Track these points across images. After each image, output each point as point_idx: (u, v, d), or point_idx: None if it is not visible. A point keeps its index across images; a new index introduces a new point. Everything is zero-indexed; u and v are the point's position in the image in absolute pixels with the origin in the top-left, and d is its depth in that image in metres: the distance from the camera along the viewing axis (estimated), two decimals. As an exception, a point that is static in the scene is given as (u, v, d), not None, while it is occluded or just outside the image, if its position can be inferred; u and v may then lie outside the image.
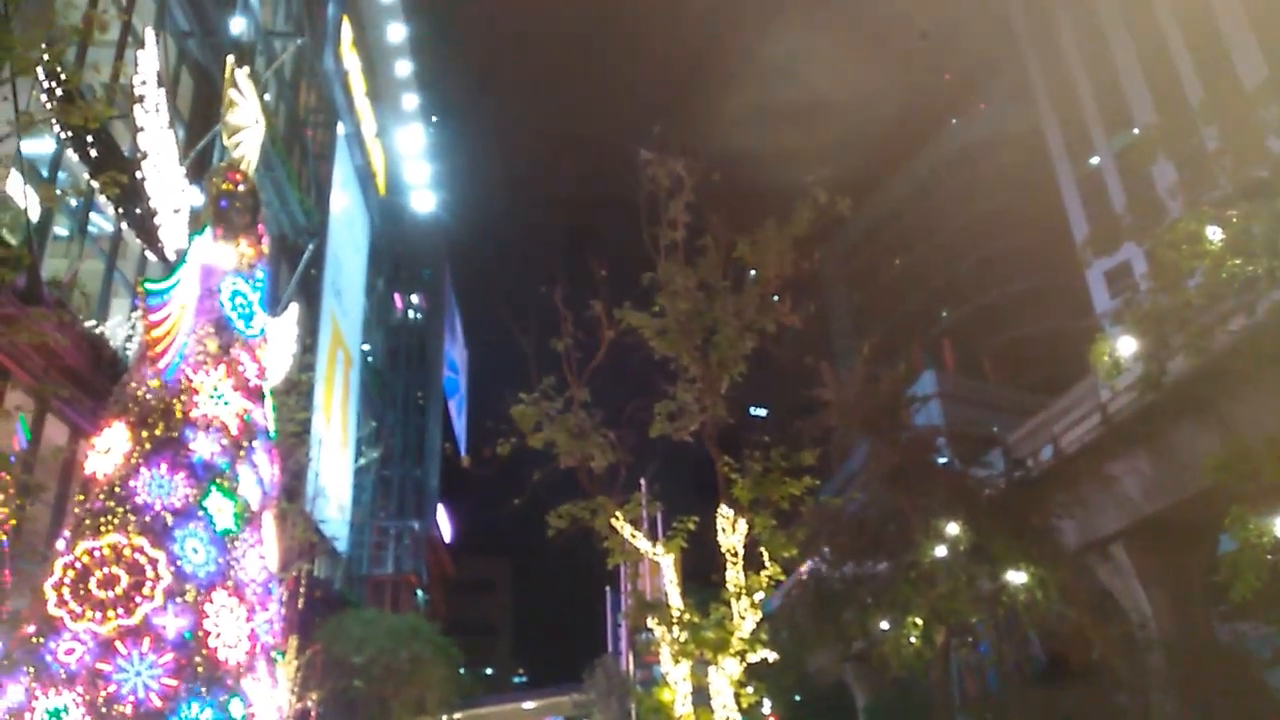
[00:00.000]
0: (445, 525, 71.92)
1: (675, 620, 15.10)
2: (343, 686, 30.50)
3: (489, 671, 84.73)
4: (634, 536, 16.32)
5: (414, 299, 69.73)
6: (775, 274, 15.61)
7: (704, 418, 16.21)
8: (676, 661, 15.35)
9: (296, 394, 24.15)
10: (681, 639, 14.82)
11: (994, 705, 41.34)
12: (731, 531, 15.75)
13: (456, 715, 42.17)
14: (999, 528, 27.18)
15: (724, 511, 15.92)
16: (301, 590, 25.31)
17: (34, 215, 17.73)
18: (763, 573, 15.40)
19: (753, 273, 16.20)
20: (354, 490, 46.61)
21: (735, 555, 15.69)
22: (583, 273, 17.45)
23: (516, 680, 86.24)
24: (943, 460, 33.61)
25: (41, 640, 14.51)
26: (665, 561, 16.14)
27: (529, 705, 58.46)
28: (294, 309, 22.69)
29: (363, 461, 47.36)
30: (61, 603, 14.66)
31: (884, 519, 28.78)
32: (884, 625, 29.83)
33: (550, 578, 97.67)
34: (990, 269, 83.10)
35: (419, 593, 59.93)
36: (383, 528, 56.81)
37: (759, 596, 15.03)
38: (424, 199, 71.11)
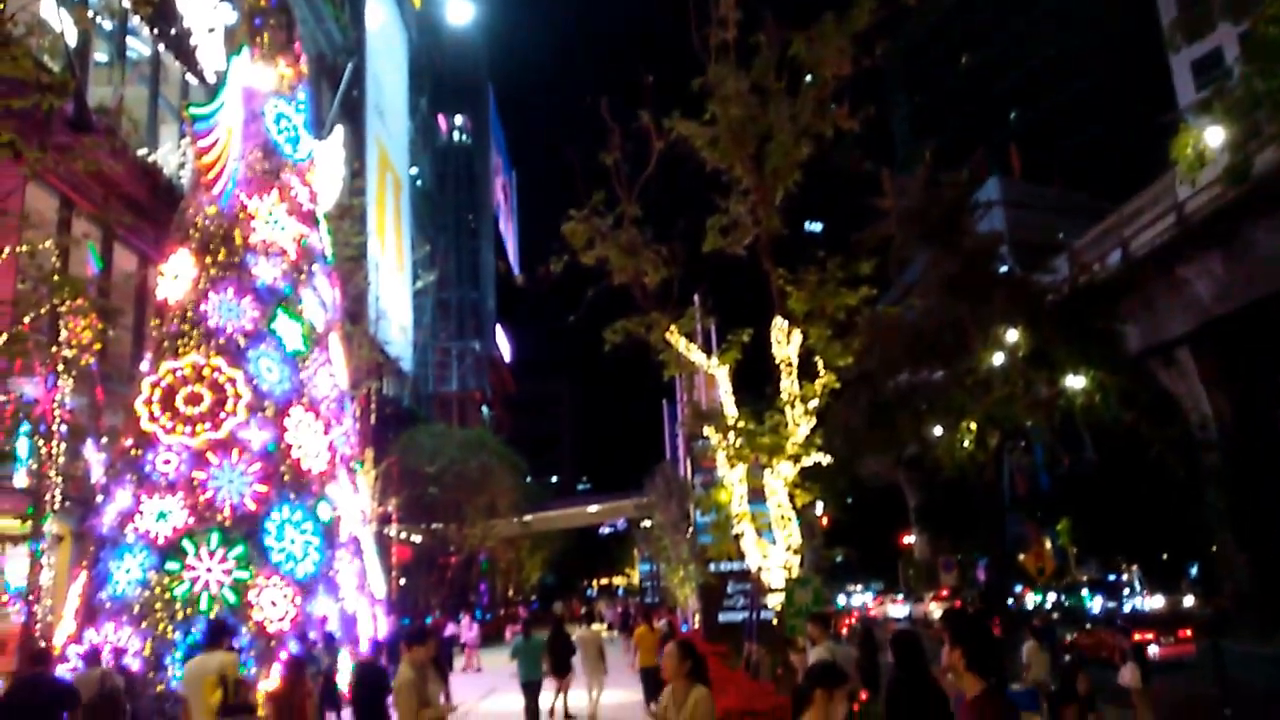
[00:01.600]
0: (505, 345, 73.93)
1: (730, 428, 15.49)
2: (419, 494, 32.64)
3: (554, 480, 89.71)
4: (689, 350, 16.48)
5: (458, 119, 68.16)
6: (833, 74, 14.61)
7: (758, 231, 15.83)
8: (732, 465, 15.89)
9: (349, 219, 24.36)
10: (737, 445, 15.24)
11: (1045, 505, 42.62)
12: (786, 343, 15.76)
13: (525, 518, 45.05)
14: (1060, 333, 26.81)
15: (778, 324, 15.88)
16: (372, 407, 26.65)
17: (71, 40, 17.44)
18: (817, 381, 15.53)
19: (809, 74, 15.24)
20: (414, 312, 47.80)
21: (790, 365, 15.77)
22: (630, 82, 16.65)
23: (580, 488, 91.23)
24: (1004, 268, 32.81)
25: (140, 452, 15.76)
26: (720, 373, 16.36)
27: (593, 509, 62.09)
28: (339, 131, 22.46)
29: (420, 284, 48.25)
30: (153, 418, 15.75)
31: (941, 327, 28.55)
32: (938, 431, 30.36)
33: (609, 392, 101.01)
34: (1063, 66, 77.22)
35: (484, 409, 62.64)
36: (444, 348, 58.65)
37: (813, 404, 15.25)
38: (461, 10, 67.90)
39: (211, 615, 14.17)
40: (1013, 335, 26.48)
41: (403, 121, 49.72)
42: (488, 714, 16.68)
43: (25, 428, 12.31)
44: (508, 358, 75.38)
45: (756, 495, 16.02)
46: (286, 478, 15.86)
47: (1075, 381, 26.76)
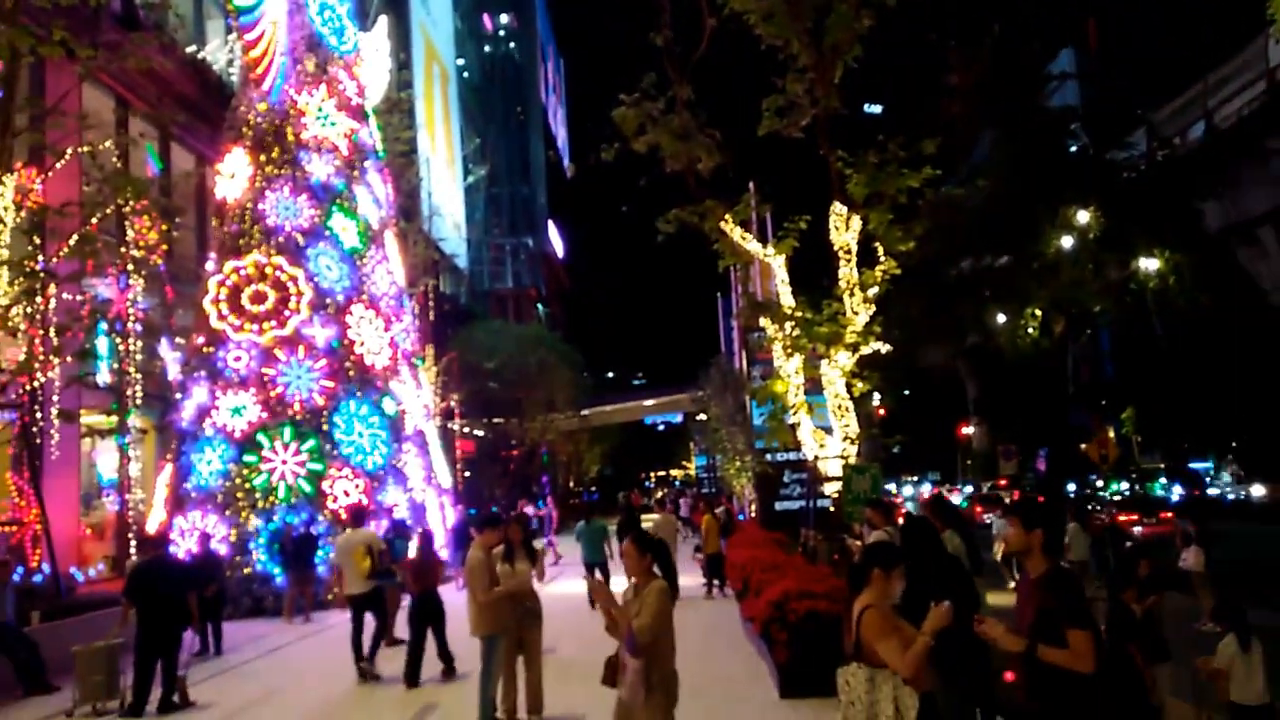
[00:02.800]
0: (557, 241, 73.73)
1: (787, 318, 15.29)
2: (479, 389, 33.33)
3: (609, 375, 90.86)
4: (744, 239, 16.15)
5: (503, 13, 66.02)
6: (897, -65, 13.66)
7: (815, 111, 15.17)
8: (788, 356, 15.76)
9: (398, 113, 24.04)
10: (793, 335, 15.07)
11: (1110, 393, 41.74)
12: (845, 229, 15.33)
13: (584, 412, 45.85)
14: (1135, 213, 25.58)
15: (837, 209, 15.40)
16: (430, 304, 26.97)
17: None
18: (877, 268, 15.15)
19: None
20: (466, 208, 47.69)
21: (848, 252, 15.37)
22: (680, -48, 15.77)
23: (635, 383, 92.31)
24: (1077, 146, 31.15)
25: (212, 350, 16.29)
26: (776, 262, 16.05)
27: (649, 403, 62.88)
28: (383, 21, 21.95)
29: (471, 179, 47.93)
30: (221, 317, 16.19)
31: (1008, 210, 27.47)
32: (1000, 318, 29.63)
33: (663, 286, 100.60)
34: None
35: (539, 305, 63.08)
36: (498, 244, 58.72)
37: (872, 291, 14.92)
38: (502, -113, 64.83)
39: (290, 503, 14.90)
40: (1084, 216, 25.36)
41: (447, 10, 48.39)
42: (553, 595, 17.41)
43: (102, 327, 12.77)
44: (560, 253, 75.28)
45: (813, 386, 15.94)
46: (351, 373, 16.27)
47: (1149, 264, 25.70)
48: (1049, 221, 25.58)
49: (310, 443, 15.32)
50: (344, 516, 13.43)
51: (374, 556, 9.68)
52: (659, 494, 55.05)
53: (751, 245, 16.21)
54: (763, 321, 16.72)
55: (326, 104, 17.39)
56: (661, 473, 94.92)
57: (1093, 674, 3.63)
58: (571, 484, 59.91)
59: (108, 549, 16.20)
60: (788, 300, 15.81)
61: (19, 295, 10.68)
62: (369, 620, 9.76)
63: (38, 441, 12.14)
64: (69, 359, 11.96)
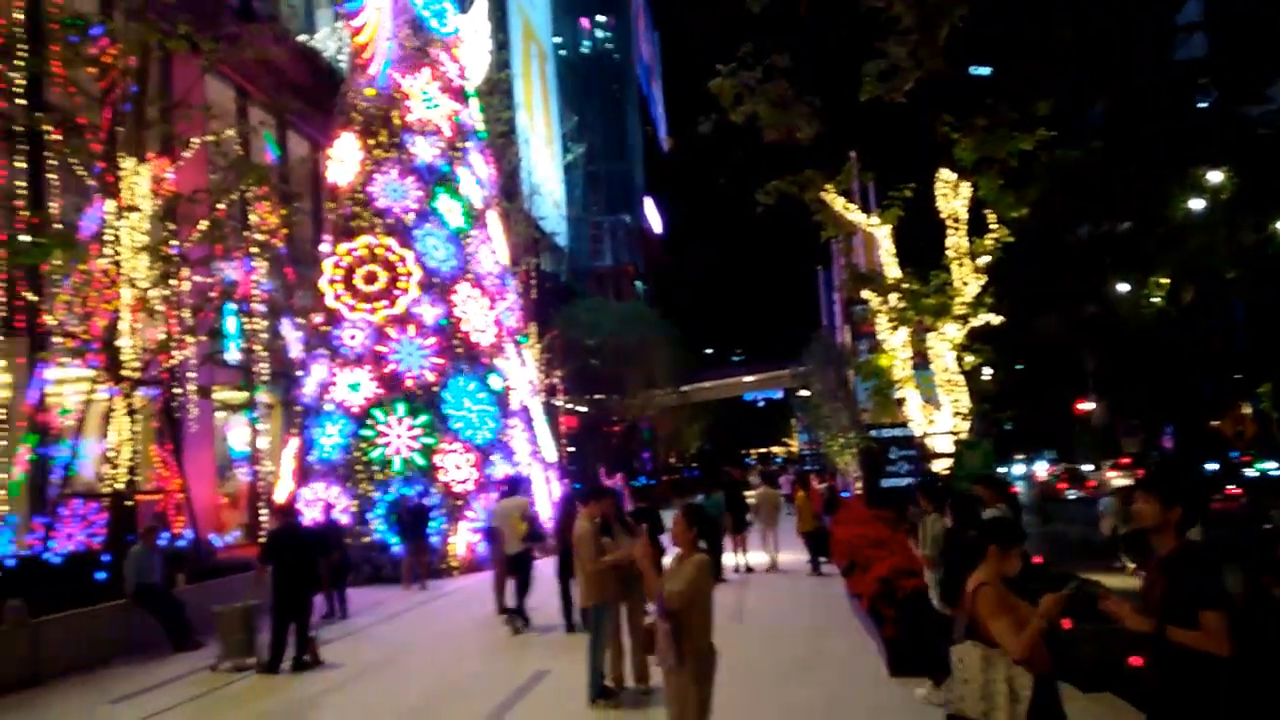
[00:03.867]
0: (655, 217, 73.72)
1: (893, 289, 14.90)
2: (581, 366, 33.82)
3: (708, 351, 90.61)
4: (846, 209, 15.78)
5: (599, 17, 65.95)
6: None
7: (920, 74, 14.61)
8: (894, 329, 15.38)
9: (498, 93, 24.45)
10: (899, 307, 14.69)
11: (1245, 366, 38.98)
12: (953, 196, 14.80)
13: (683, 388, 45.95)
14: (1273, 171, 23.71)
15: (944, 175, 14.86)
16: (532, 282, 27.47)
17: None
18: (988, 236, 14.57)
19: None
20: (565, 187, 48.21)
21: (957, 221, 14.83)
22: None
23: (734, 359, 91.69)
24: (1207, 102, 29.05)
25: (329, 328, 17.08)
26: (880, 232, 15.63)
27: (749, 378, 62.47)
28: (481, 3, 22.28)
29: (570, 157, 48.35)
30: (336, 297, 16.95)
31: (1130, 171, 25.90)
32: (1122, 286, 28.07)
33: (761, 261, 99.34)
34: None
35: (637, 283, 63.39)
36: (597, 222, 59.19)
37: (983, 260, 14.36)
38: None
39: (405, 475, 15.53)
40: (1215, 176, 23.68)
41: (544, -10, 48.79)
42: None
43: (230, 308, 13.54)
44: (658, 229, 75.28)
45: (921, 360, 15.51)
46: (459, 350, 16.78)
47: (1290, 226, 23.82)
48: (1176, 183, 23.99)
49: (422, 417, 15.90)
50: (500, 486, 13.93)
51: (528, 522, 10.75)
52: (756, 470, 54.70)
53: (854, 215, 15.83)
54: (866, 294, 16.34)
55: (430, 87, 17.84)
56: (762, 449, 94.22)
57: (1228, 657, 3.43)
58: (672, 460, 60.23)
59: (241, 517, 17.28)
60: (893, 271, 15.39)
61: (157, 279, 11.44)
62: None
63: (177, 416, 13.03)
64: (202, 338, 12.76)
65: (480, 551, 15.28)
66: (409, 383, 16.11)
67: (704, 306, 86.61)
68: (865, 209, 17.15)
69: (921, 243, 16.32)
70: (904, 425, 16.67)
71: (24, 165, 11.97)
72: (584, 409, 38.25)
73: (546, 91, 46.05)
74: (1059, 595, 3.62)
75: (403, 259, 16.51)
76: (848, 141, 18.25)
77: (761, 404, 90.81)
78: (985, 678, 3.79)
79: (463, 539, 15.62)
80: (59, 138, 10.99)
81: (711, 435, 68.52)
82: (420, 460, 15.72)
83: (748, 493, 16.56)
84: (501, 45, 29.87)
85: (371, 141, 17.13)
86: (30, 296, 11.57)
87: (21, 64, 10.85)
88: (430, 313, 16.61)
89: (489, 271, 18.25)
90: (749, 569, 14.64)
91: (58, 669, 8.79)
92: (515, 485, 12.37)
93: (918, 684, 6.65)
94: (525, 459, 17.60)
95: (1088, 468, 41.33)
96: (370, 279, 16.42)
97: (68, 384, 12.26)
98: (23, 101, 11.27)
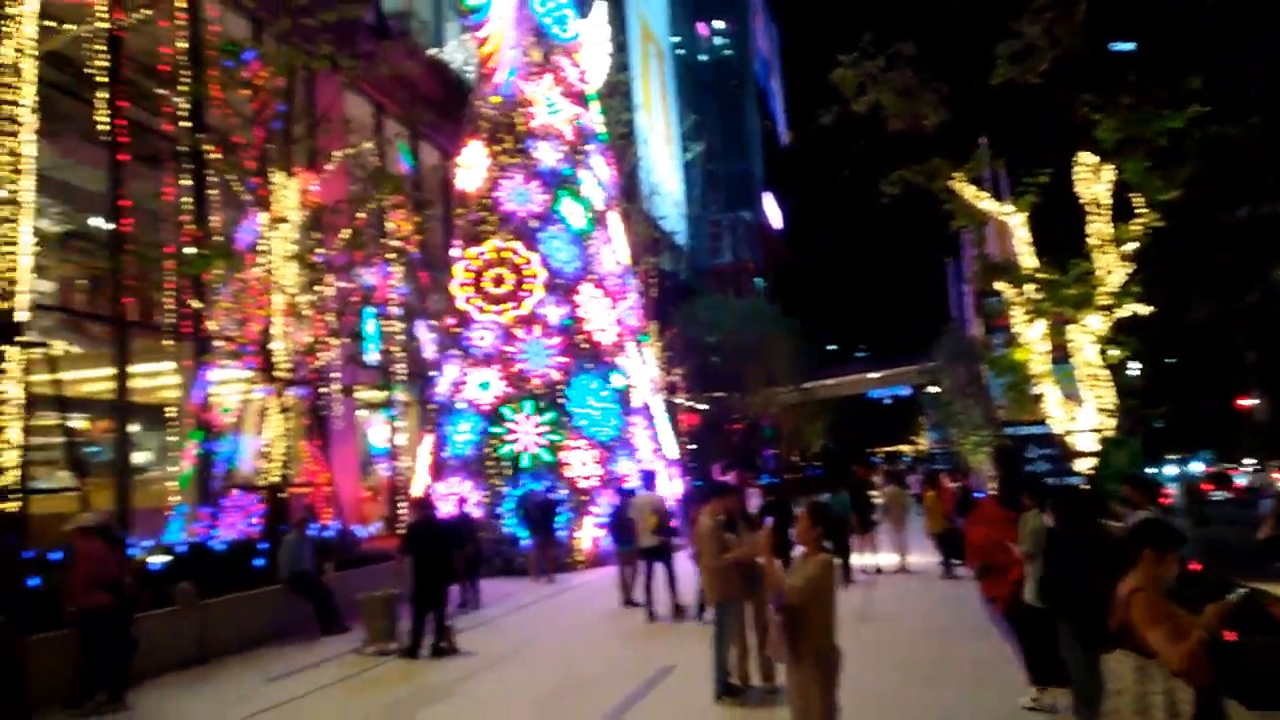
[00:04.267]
0: (774, 213, 72.87)
1: (1029, 279, 14.23)
2: (701, 363, 33.83)
3: (831, 348, 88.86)
4: (977, 197, 15.17)
5: (718, 23, 65.73)
6: None
7: (1056, 53, 13.89)
8: (1031, 322, 14.68)
9: (618, 95, 24.79)
10: (1036, 298, 14.01)
11: None
12: (1094, 180, 14.01)
13: (805, 385, 45.24)
14: None
15: (1084, 159, 14.09)
16: (652, 280, 27.70)
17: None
18: (1134, 221, 13.70)
19: None
20: (684, 185, 48.32)
21: (1099, 206, 14.04)
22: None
23: (858, 355, 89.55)
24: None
25: (460, 330, 17.78)
26: (1014, 220, 14.95)
27: (874, 375, 60.87)
28: (601, 7, 22.62)
29: (689, 156, 48.42)
30: (467, 299, 17.62)
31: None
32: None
33: (885, 254, 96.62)
34: None
35: (757, 279, 62.84)
36: (716, 220, 59.04)
37: (1129, 247, 13.52)
38: None
39: (533, 471, 15.97)
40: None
41: (661, -10, 49.07)
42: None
43: (370, 311, 14.31)
44: (778, 225, 74.37)
45: (1061, 353, 14.75)
46: (583, 349, 17.13)
47: None
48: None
49: (548, 415, 16.33)
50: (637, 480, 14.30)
51: (660, 515, 11.02)
52: (882, 469, 53.16)
53: (986, 204, 15.22)
54: (1000, 285, 15.66)
55: (552, 92, 18.28)
56: (889, 448, 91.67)
57: None
58: (794, 458, 59.43)
59: (382, 509, 18.22)
60: (1028, 261, 14.71)
61: (304, 285, 12.21)
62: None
63: (324, 414, 13.87)
64: (345, 341, 13.53)
65: (605, 546, 15.56)
66: (535, 381, 16.56)
67: (826, 302, 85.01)
68: (997, 197, 16.46)
69: (1059, 230, 15.54)
70: (1042, 422, 15.88)
71: (188, 183, 13.03)
72: (704, 407, 38.24)
73: (665, 92, 46.30)
74: (1223, 603, 3.39)
75: (528, 261, 16.99)
76: (977, 127, 17.53)
77: (888, 401, 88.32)
78: (1141, 689, 3.57)
79: (588, 533, 15.93)
80: (218, 156, 11.90)
81: (835, 433, 67.15)
82: (547, 456, 16.14)
83: (873, 492, 16.16)
84: (620, 48, 30.29)
85: (497, 148, 17.71)
86: (195, 304, 12.60)
87: (185, 89, 11.82)
88: (555, 313, 17.02)
89: (610, 271, 18.53)
90: (878, 570, 14.30)
91: (221, 648, 9.52)
92: (649, 480, 12.77)
93: (1060, 694, 6.34)
94: (648, 456, 17.77)
95: (1250, 466, 38.15)
96: (498, 281, 16.98)
97: (228, 384, 13.26)
98: (186, 124, 12.27)
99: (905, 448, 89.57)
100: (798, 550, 4.75)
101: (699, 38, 61.62)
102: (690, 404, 34.46)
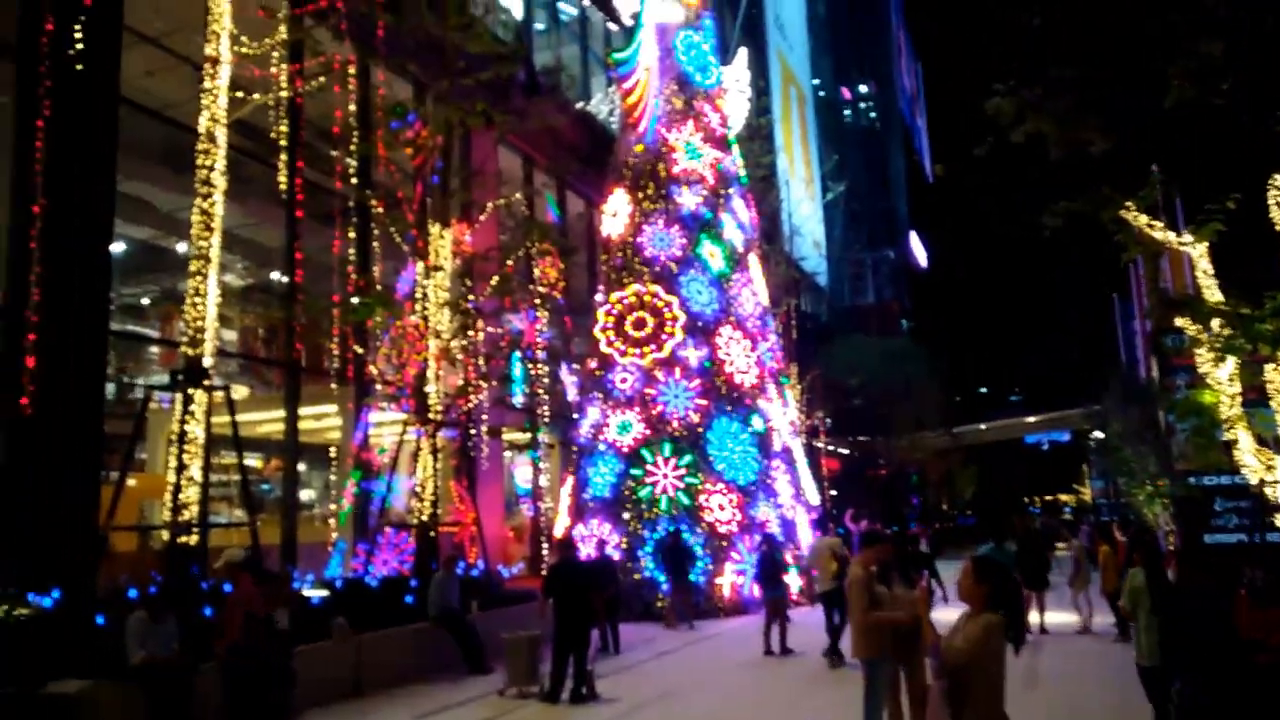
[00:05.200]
0: (920, 251, 70.65)
1: (1215, 314, 12.99)
2: (843, 406, 32.92)
3: (983, 391, 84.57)
4: (1151, 227, 14.07)
5: (863, 87, 65.16)
6: None
7: (1240, 69, 12.78)
8: (1219, 361, 13.38)
9: (758, 138, 24.80)
10: (1226, 334, 12.76)
11: None
12: (1290, 201, 12.75)
13: (955, 430, 43.20)
14: None
15: (1278, 181, 12.86)
16: (793, 322, 27.28)
17: (517, 14, 20.05)
18: (1347, 244, 12.32)
19: None
20: (825, 225, 47.68)
21: (1299, 232, 12.73)
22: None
23: (1012, 399, 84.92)
24: None
25: (602, 373, 18.01)
26: (1195, 251, 13.75)
27: (1031, 419, 57.40)
28: (742, 53, 22.82)
29: (830, 196, 47.82)
30: (609, 343, 17.86)
31: None
32: None
33: (1043, 292, 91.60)
34: None
35: (903, 320, 60.87)
36: (858, 259, 57.83)
37: (1341, 277, 12.14)
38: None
39: (671, 514, 15.83)
40: None
41: (801, 31, 49.13)
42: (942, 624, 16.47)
43: (516, 355, 14.73)
44: (924, 264, 72.00)
45: (1256, 395, 13.37)
46: (722, 391, 16.96)
47: None
48: None
49: (687, 458, 16.19)
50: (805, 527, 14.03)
51: (839, 560, 11.00)
52: (1038, 520, 49.71)
53: (1162, 234, 14.09)
54: (1180, 321, 14.41)
55: (694, 138, 18.46)
56: (1048, 496, 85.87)
57: None
58: (944, 506, 56.64)
59: (525, 550, 18.55)
60: (1213, 295, 13.46)
61: (457, 330, 12.70)
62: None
63: (472, 455, 14.30)
64: (493, 384, 13.96)
65: (746, 594, 15.16)
66: (674, 424, 16.49)
67: (976, 343, 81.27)
68: (1171, 227, 15.24)
69: (1247, 258, 14.21)
70: (1234, 472, 14.37)
71: (353, 236, 13.91)
72: (847, 451, 37.10)
73: (806, 133, 46.08)
74: None
75: (669, 305, 17.07)
76: (1150, 152, 16.36)
77: (1046, 447, 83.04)
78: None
79: (728, 579, 15.59)
80: (381, 211, 12.65)
81: (988, 481, 63.60)
82: (685, 500, 15.97)
83: (1060, 544, 15.07)
84: (761, 91, 30.39)
85: (640, 194, 18.00)
86: (358, 349, 13.34)
87: (354, 149, 12.68)
88: (694, 355, 16.96)
89: (750, 313, 18.35)
90: (1042, 629, 13.25)
91: (374, 682, 9.81)
92: (822, 522, 12.49)
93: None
94: (788, 501, 17.30)
95: None
96: (639, 325, 17.12)
97: (385, 426, 13.90)
98: (354, 181, 13.14)
99: (1066, 496, 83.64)
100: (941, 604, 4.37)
101: (841, 79, 61.12)
102: (832, 448, 33.51)
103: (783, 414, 18.84)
